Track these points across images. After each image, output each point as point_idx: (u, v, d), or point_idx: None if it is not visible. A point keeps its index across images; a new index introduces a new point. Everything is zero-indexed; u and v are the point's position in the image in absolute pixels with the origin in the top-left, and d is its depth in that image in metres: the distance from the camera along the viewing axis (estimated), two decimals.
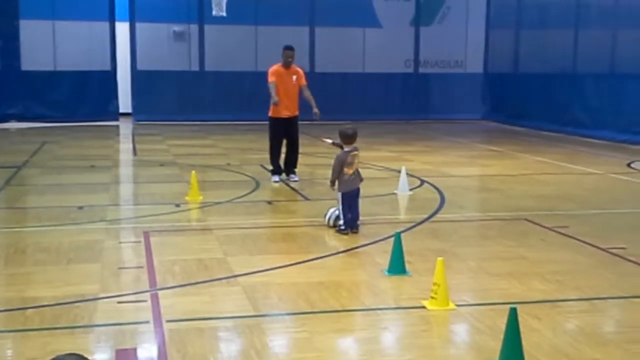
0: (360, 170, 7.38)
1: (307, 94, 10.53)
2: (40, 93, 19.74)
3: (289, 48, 10.40)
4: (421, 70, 22.53)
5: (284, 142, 10.62)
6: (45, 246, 6.64)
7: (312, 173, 11.96)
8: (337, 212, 7.23)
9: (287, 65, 10.34)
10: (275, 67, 10.37)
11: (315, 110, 10.34)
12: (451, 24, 22.30)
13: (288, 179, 10.44)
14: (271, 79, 10.24)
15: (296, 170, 10.67)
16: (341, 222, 7.18)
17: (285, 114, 10.40)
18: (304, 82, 10.49)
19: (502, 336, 4.05)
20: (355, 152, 7.28)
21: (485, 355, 4.19)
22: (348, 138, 7.31)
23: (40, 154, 13.61)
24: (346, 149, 7.28)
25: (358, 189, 7.31)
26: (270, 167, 10.68)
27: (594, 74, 17.41)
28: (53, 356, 4.17)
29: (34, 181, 10.77)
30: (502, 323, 4.12)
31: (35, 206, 9.01)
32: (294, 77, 10.41)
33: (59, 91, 19.88)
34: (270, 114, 10.44)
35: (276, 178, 10.43)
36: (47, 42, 19.83)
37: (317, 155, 13.57)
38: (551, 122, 18.46)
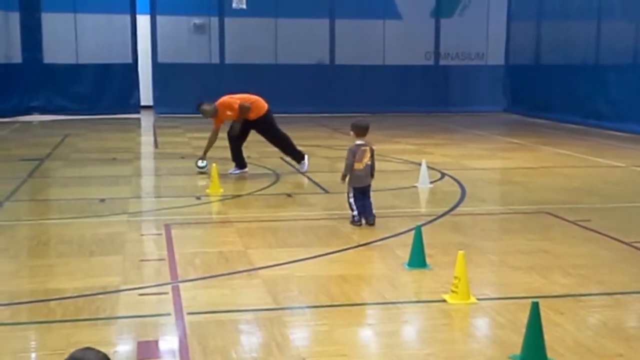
0: (376, 165, 7.33)
1: None
2: (62, 86, 19.91)
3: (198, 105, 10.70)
4: (442, 62, 22.42)
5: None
6: (67, 238, 6.70)
7: (332, 165, 11.96)
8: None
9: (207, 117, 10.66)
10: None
11: None
12: (472, 15, 22.15)
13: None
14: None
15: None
16: (355, 212, 7.17)
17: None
18: None
19: (523, 330, 4.03)
20: (366, 148, 7.21)
21: (506, 350, 4.17)
22: (361, 129, 7.22)
23: (62, 147, 13.72)
24: (357, 141, 7.23)
25: (369, 185, 7.27)
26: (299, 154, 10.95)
27: (617, 65, 17.20)
28: (75, 348, 4.21)
29: (56, 174, 10.87)
30: (523, 317, 4.10)
31: (58, 198, 9.09)
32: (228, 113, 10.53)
33: (81, 84, 20.03)
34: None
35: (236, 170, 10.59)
36: (69, 35, 19.98)
37: (336, 147, 13.55)
38: (573, 115, 18.28)
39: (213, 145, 10.63)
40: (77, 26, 20.07)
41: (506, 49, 22.38)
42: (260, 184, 9.61)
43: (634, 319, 4.92)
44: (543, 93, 20.05)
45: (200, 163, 10.42)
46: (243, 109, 10.27)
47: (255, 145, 14.17)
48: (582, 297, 5.16)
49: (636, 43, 16.71)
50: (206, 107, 10.43)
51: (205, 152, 10.58)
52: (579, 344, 4.28)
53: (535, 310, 3.96)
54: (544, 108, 19.82)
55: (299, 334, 4.46)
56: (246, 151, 13.24)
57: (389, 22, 21.74)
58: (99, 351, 2.26)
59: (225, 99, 10.45)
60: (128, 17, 20.32)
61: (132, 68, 20.47)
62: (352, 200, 7.20)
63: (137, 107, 20.57)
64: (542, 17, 20.55)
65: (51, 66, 19.88)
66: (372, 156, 7.24)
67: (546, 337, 4.01)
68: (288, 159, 11.03)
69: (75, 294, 5.09)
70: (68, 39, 19.96)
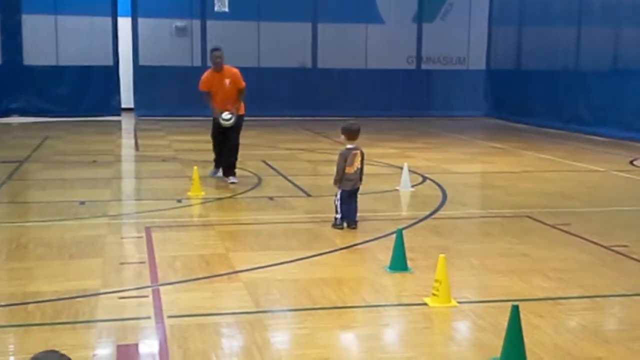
0: (364, 169, 7.36)
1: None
2: (42, 88, 19.77)
3: (215, 49, 10.12)
4: (423, 66, 22.52)
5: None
6: (47, 241, 6.64)
7: (314, 169, 11.96)
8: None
9: (218, 69, 9.97)
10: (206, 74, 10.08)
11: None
12: (454, 20, 22.28)
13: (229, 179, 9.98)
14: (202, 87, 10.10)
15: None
16: (338, 216, 7.18)
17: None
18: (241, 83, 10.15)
19: (504, 333, 4.04)
20: (357, 152, 7.25)
21: (487, 353, 4.18)
22: (352, 133, 7.28)
23: (42, 149, 13.61)
24: (348, 145, 7.26)
25: (357, 189, 7.31)
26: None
27: (597, 71, 17.37)
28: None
29: (35, 176, 10.77)
30: (504, 320, 4.11)
31: (37, 201, 9.00)
32: (227, 81, 10.03)
33: (61, 86, 19.90)
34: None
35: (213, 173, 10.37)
36: (50, 36, 19.85)
37: (318, 151, 13.56)
38: (554, 120, 18.44)
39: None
40: (58, 28, 19.95)
41: (487, 54, 22.55)
42: (242, 187, 9.59)
43: (613, 322, 4.96)
44: (524, 98, 20.20)
45: (225, 115, 9.98)
46: (243, 93, 10.19)
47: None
48: (562, 301, 5.19)
49: (615, 49, 16.90)
50: (221, 54, 9.97)
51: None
52: (559, 347, 4.31)
53: (515, 313, 3.97)
54: (524, 113, 19.97)
55: (280, 337, 4.45)
56: None
57: (372, 26, 21.82)
58: (63, 355, 2.22)
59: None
60: (109, 20, 20.23)
61: (113, 70, 20.37)
62: (338, 203, 7.21)
63: (118, 110, 20.47)
64: (523, 23, 20.72)
65: (31, 68, 19.74)
66: (362, 160, 7.28)
67: (526, 340, 4.03)
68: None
69: (54, 297, 5.04)
70: (49, 41, 19.83)
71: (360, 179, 7.32)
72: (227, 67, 10.02)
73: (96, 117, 19.48)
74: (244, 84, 10.15)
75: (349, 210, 7.21)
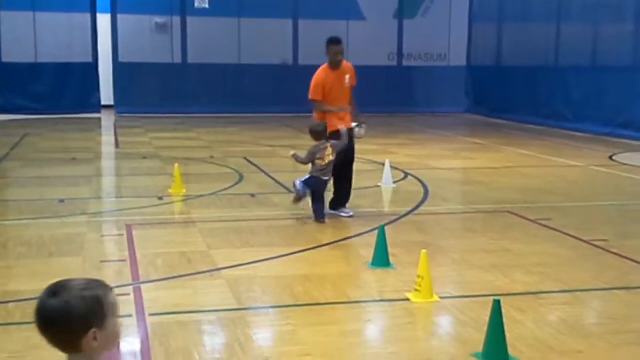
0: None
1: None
2: (20, 85, 19.56)
3: (335, 40, 7.84)
4: (404, 63, 22.56)
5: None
6: (26, 239, 6.57)
7: (295, 166, 11.94)
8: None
9: (336, 66, 7.73)
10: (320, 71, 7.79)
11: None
12: (434, 16, 22.33)
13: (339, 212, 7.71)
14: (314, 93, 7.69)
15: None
16: (297, 182, 7.38)
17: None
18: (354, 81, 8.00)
19: (485, 328, 4.06)
20: (325, 145, 7.43)
21: (469, 347, 4.20)
22: (317, 134, 7.50)
23: (20, 147, 13.47)
24: (317, 143, 7.46)
25: (326, 181, 7.49)
26: None
27: (576, 66, 17.50)
28: (34, 350, 4.12)
29: (14, 174, 10.66)
30: (485, 315, 4.13)
31: (16, 199, 8.91)
32: (347, 78, 7.81)
33: (40, 83, 19.71)
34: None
35: (344, 212, 7.69)
36: (28, 33, 19.63)
37: (300, 147, 13.52)
38: (534, 115, 18.55)
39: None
40: (36, 24, 19.73)
41: (468, 50, 22.62)
42: (223, 183, 9.55)
43: (593, 316, 5.00)
44: (504, 94, 20.30)
45: (358, 130, 8.00)
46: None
47: (219, 144, 14.12)
48: (543, 295, 5.22)
49: (594, 45, 17.03)
50: (342, 47, 7.83)
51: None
52: (539, 341, 4.33)
53: (496, 308, 3.99)
54: (505, 109, 20.06)
55: (262, 334, 4.44)
56: (208, 151, 13.20)
57: (352, 22, 21.79)
58: (90, 281, 2.02)
59: None
60: (88, 16, 20.04)
61: (92, 67, 20.20)
62: (299, 183, 7.38)
63: (98, 107, 20.30)
64: (503, 19, 20.81)
65: (9, 65, 19.52)
66: (333, 152, 7.42)
67: (507, 334, 4.05)
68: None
69: (34, 296, 4.93)
70: (27, 37, 19.61)
71: (332, 175, 7.50)
72: (343, 62, 7.81)
73: (75, 114, 19.31)
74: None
75: (318, 208, 7.38)
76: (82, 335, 1.93)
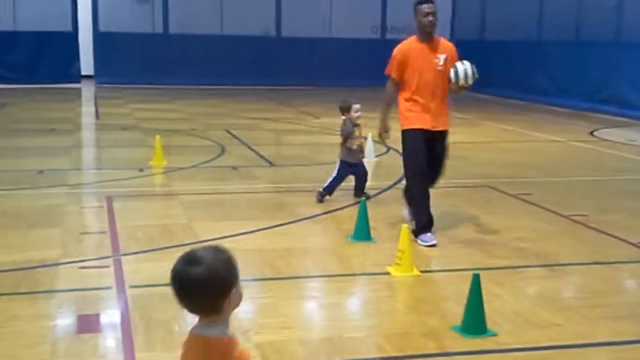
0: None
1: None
2: None
3: (426, 1, 6.00)
4: (388, 36, 22.44)
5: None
6: (4, 210, 6.51)
7: (278, 139, 11.91)
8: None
9: (427, 34, 5.93)
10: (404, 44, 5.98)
11: None
12: None
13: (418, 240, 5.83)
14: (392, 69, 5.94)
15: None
16: (325, 188, 7.11)
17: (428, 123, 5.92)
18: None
19: (465, 302, 4.09)
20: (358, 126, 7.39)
21: (448, 321, 4.23)
22: (347, 109, 7.38)
23: None
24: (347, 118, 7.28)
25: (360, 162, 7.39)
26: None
27: (559, 41, 17.52)
28: (13, 321, 4.10)
29: None
30: (465, 289, 4.16)
31: None
32: (441, 58, 5.89)
33: (19, 52, 19.42)
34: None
35: (425, 240, 5.78)
36: (6, 1, 19.29)
37: (282, 120, 13.48)
38: (516, 90, 18.59)
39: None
40: None
41: (452, 24, 22.54)
42: (204, 156, 9.50)
43: (571, 290, 5.06)
44: (487, 68, 20.15)
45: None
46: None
47: (200, 117, 14.03)
48: (521, 269, 5.27)
49: (577, 20, 17.04)
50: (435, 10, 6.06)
51: None
52: (517, 314, 4.38)
53: (475, 282, 4.02)
54: (487, 83, 20.01)
55: (244, 307, 4.39)
56: (189, 123, 13.11)
57: None
58: (222, 250, 2.14)
59: None
60: None
61: (72, 36, 19.94)
62: (335, 174, 7.11)
63: (78, 77, 20.07)
64: None
65: None
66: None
67: (486, 308, 4.09)
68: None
69: (13, 267, 4.96)
70: (5, 5, 19.30)
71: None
72: (438, 37, 6.07)
73: (55, 85, 19.08)
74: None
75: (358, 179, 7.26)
76: (225, 296, 2.07)
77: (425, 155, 5.84)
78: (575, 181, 8.66)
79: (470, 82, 5.75)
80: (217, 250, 2.12)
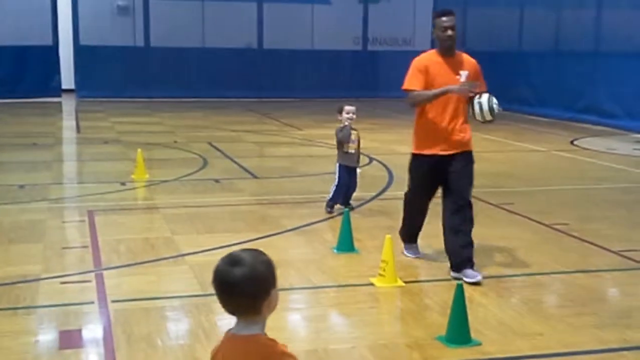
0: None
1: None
2: None
3: (446, 12, 5.62)
4: (370, 47, 22.56)
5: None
6: None
7: (261, 151, 11.89)
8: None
9: (447, 49, 5.57)
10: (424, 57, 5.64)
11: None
12: (399, 1, 22.34)
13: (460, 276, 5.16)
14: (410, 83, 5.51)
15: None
16: (331, 195, 7.11)
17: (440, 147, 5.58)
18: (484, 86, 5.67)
19: (449, 312, 4.09)
20: (355, 132, 7.37)
21: (432, 331, 4.23)
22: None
23: None
24: (345, 123, 7.32)
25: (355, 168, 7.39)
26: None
27: (539, 52, 17.68)
28: None
29: None
30: (449, 299, 4.17)
31: None
32: (464, 75, 5.53)
33: None
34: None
35: (410, 252, 5.74)
36: None
37: (264, 133, 13.48)
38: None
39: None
40: None
41: (433, 35, 22.67)
42: (187, 169, 9.47)
43: (554, 299, 5.08)
44: None
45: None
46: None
47: (182, 129, 13.99)
48: (505, 278, 5.29)
49: (557, 31, 17.21)
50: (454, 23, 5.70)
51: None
52: (502, 323, 4.39)
53: (459, 291, 4.03)
54: None
55: (227, 320, 4.36)
56: (171, 136, 13.06)
57: (318, 6, 21.71)
58: (261, 252, 2.17)
59: None
60: None
61: (52, 50, 19.82)
62: (336, 182, 7.13)
63: (58, 91, 19.94)
64: (468, 4, 20.88)
65: None
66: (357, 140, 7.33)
67: (470, 318, 4.09)
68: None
69: None
70: None
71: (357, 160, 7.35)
72: (460, 52, 5.72)
73: (36, 99, 18.95)
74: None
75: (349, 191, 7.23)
76: (265, 297, 2.10)
77: (432, 186, 5.72)
78: (557, 190, 8.72)
79: (488, 117, 5.56)
80: (258, 252, 2.17)
